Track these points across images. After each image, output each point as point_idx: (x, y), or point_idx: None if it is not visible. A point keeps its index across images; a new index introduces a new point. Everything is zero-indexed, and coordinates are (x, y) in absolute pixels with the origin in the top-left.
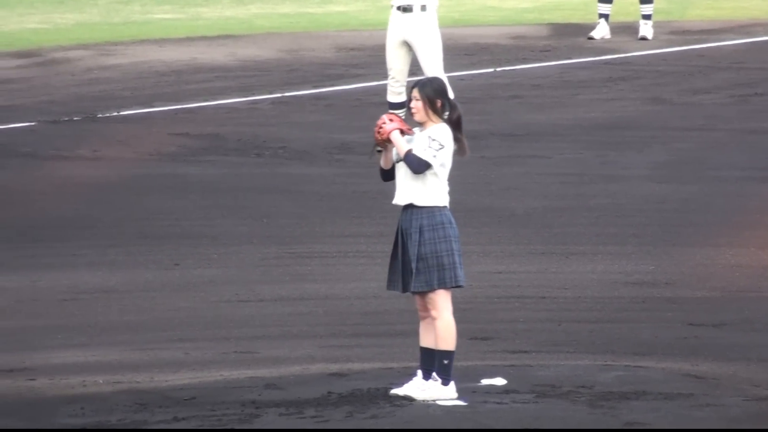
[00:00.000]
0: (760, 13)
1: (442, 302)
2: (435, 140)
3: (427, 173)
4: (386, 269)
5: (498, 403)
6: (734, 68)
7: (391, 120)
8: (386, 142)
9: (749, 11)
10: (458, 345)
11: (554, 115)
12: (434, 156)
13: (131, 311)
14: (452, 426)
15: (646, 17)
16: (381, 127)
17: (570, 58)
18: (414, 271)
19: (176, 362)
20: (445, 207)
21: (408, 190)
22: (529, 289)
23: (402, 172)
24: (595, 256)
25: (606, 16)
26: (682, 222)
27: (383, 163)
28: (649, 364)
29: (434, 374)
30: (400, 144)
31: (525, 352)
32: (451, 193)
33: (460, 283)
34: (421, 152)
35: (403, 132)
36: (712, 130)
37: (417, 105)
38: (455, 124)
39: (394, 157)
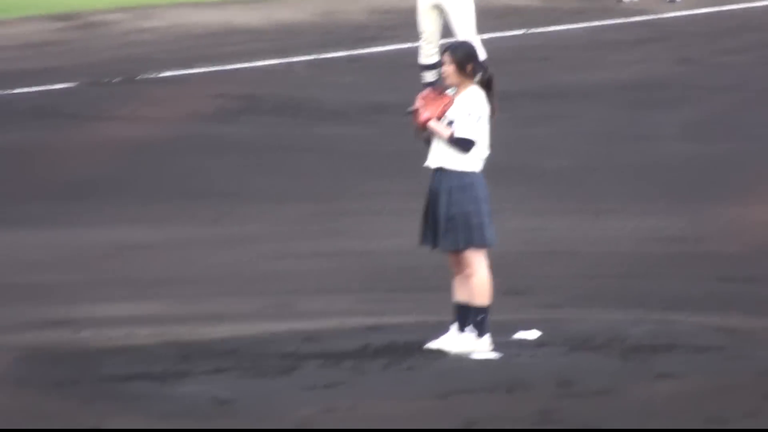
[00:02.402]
0: None
1: (474, 260)
2: (471, 114)
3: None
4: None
5: (531, 355)
6: (765, 29)
7: (424, 102)
8: (424, 128)
9: None
10: (493, 299)
11: (584, 75)
12: (475, 130)
13: (173, 266)
14: (487, 377)
15: None
16: (415, 115)
17: (600, 20)
18: (443, 230)
19: (217, 315)
20: (474, 171)
21: (441, 153)
22: (561, 245)
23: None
24: (626, 214)
25: None
26: (712, 180)
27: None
28: (681, 318)
29: (469, 328)
30: (440, 131)
31: (558, 306)
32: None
33: (488, 243)
34: (461, 131)
35: (440, 117)
36: (742, 90)
37: (448, 69)
38: (486, 86)
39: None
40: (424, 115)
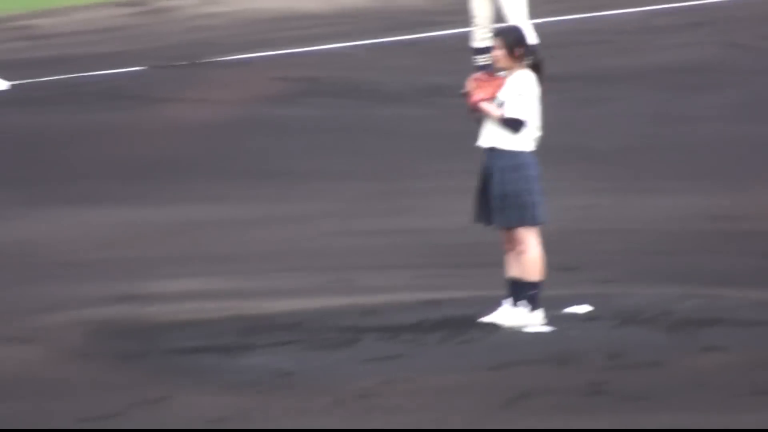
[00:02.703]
0: None
1: (527, 238)
2: (521, 94)
3: None
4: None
5: (582, 329)
6: None
7: (476, 86)
8: (476, 109)
9: None
10: (545, 275)
11: (635, 59)
12: (525, 110)
13: (238, 243)
14: (539, 350)
15: None
16: (468, 96)
17: (650, 5)
18: (496, 209)
19: (280, 290)
20: (526, 151)
21: (493, 133)
22: (611, 222)
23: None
24: (674, 192)
25: None
26: (757, 160)
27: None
28: (726, 293)
29: (522, 302)
30: (491, 112)
31: (608, 281)
32: None
33: (539, 221)
34: (511, 111)
35: (491, 98)
36: None
37: (498, 53)
38: (536, 69)
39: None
40: (476, 96)
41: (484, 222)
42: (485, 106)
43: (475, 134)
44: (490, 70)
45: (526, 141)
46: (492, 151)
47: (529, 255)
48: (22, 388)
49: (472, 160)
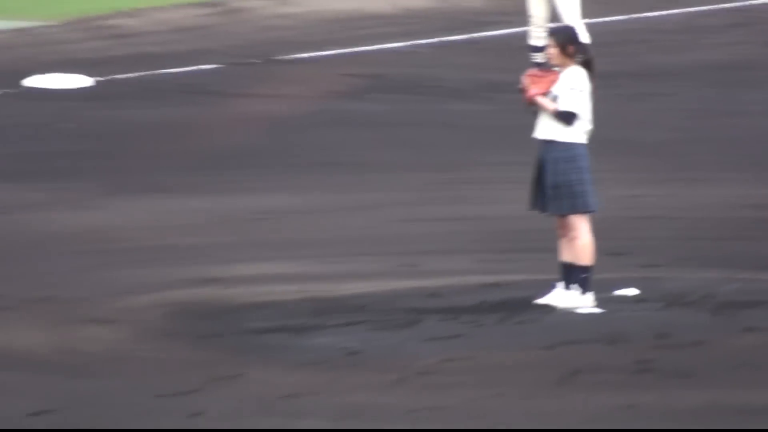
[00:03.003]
0: None
1: (579, 224)
2: (573, 88)
3: None
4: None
5: (631, 310)
6: None
7: (531, 81)
8: (531, 103)
9: None
10: (596, 260)
11: (680, 57)
12: (577, 104)
13: (311, 229)
14: (590, 330)
15: None
16: (524, 91)
17: (694, 6)
18: (550, 197)
19: (350, 274)
20: (579, 143)
21: (547, 126)
22: (658, 210)
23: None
24: (717, 182)
25: None
26: None
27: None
28: (766, 277)
29: (574, 285)
30: (546, 105)
31: (655, 266)
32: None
33: (590, 209)
34: (565, 105)
35: (545, 93)
36: None
37: (552, 51)
38: (587, 66)
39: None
40: (531, 91)
41: (539, 209)
42: (540, 100)
43: (530, 128)
44: (545, 67)
45: (578, 133)
46: (547, 143)
47: (580, 241)
48: (107, 366)
49: (527, 151)
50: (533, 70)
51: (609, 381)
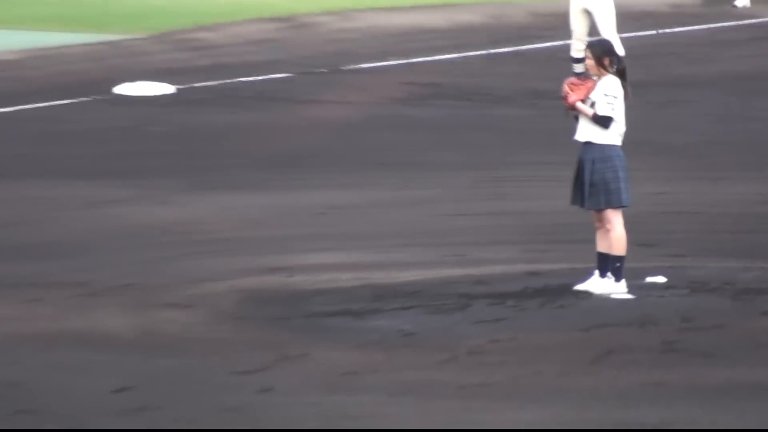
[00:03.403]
0: None
1: (613, 218)
2: (608, 95)
3: None
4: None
5: (659, 296)
6: None
7: (571, 89)
8: (572, 109)
9: None
10: (628, 250)
11: (705, 68)
12: (612, 109)
13: (370, 222)
14: (623, 314)
15: None
16: (565, 98)
17: (718, 22)
18: (588, 193)
19: (405, 263)
20: (614, 144)
21: (587, 129)
22: (684, 206)
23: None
24: (737, 181)
25: None
26: None
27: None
28: None
29: (608, 273)
30: (584, 110)
31: (681, 256)
32: None
33: (624, 204)
34: (601, 110)
35: (584, 99)
36: None
37: (590, 62)
38: (621, 75)
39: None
40: (571, 98)
41: (579, 204)
42: (579, 105)
43: (569, 132)
44: (584, 76)
45: (614, 136)
46: (586, 144)
47: (614, 233)
48: (185, 346)
49: (568, 152)
50: (572, 79)
51: (638, 360)
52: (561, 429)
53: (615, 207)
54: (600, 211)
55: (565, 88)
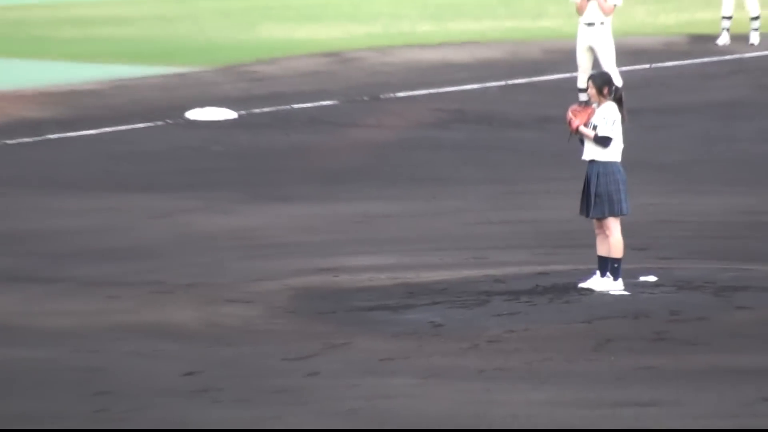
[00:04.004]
0: None
1: (613, 225)
2: (606, 118)
3: None
4: (577, 202)
5: (651, 293)
6: None
7: (574, 115)
8: (575, 132)
9: None
10: (624, 253)
11: (691, 97)
12: (611, 130)
13: (404, 229)
14: (619, 308)
15: (755, 29)
16: (569, 123)
17: (702, 58)
18: (593, 203)
19: (433, 264)
20: (615, 161)
21: (591, 149)
22: (672, 215)
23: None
24: (718, 194)
25: (727, 29)
26: None
27: (584, 140)
28: (754, 267)
29: (608, 273)
30: (587, 133)
31: (669, 258)
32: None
33: (625, 212)
34: (602, 131)
35: (586, 123)
36: None
37: (591, 91)
38: (618, 102)
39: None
40: (575, 123)
41: (585, 215)
42: (583, 129)
43: (574, 152)
44: (586, 103)
45: (614, 153)
46: (591, 162)
47: (613, 238)
48: (244, 337)
49: (573, 170)
50: (574, 106)
51: (633, 347)
52: (566, 429)
53: (616, 215)
54: (601, 219)
55: (569, 114)
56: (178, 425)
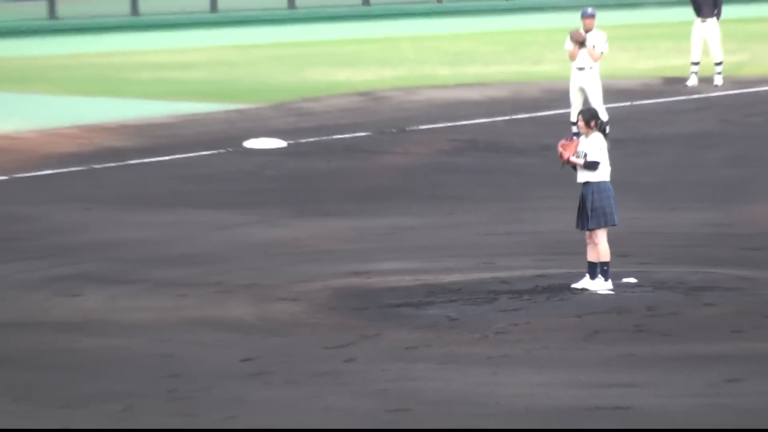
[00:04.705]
0: None
1: (601, 235)
2: (595, 146)
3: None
4: (570, 217)
5: (632, 292)
6: None
7: (564, 148)
8: (567, 163)
9: None
10: (611, 259)
11: (665, 129)
12: (599, 155)
13: (425, 239)
14: (605, 304)
15: (718, 73)
16: (560, 155)
17: (674, 97)
18: (589, 217)
19: (450, 268)
20: (606, 180)
21: (583, 174)
22: (650, 228)
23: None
24: (687, 210)
25: (695, 73)
26: (740, 190)
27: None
28: (719, 271)
29: (599, 276)
30: (577, 161)
31: (647, 263)
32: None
33: (616, 223)
34: (591, 157)
35: (574, 153)
36: (758, 138)
37: (581, 124)
38: (603, 133)
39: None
40: (565, 155)
41: (581, 228)
42: (572, 159)
43: (568, 176)
44: (578, 135)
45: (604, 174)
46: (585, 184)
47: (601, 246)
48: (291, 329)
49: (567, 190)
50: (563, 141)
51: (617, 337)
52: (566, 429)
53: (605, 226)
54: (592, 230)
55: (559, 148)
56: (236, 403)
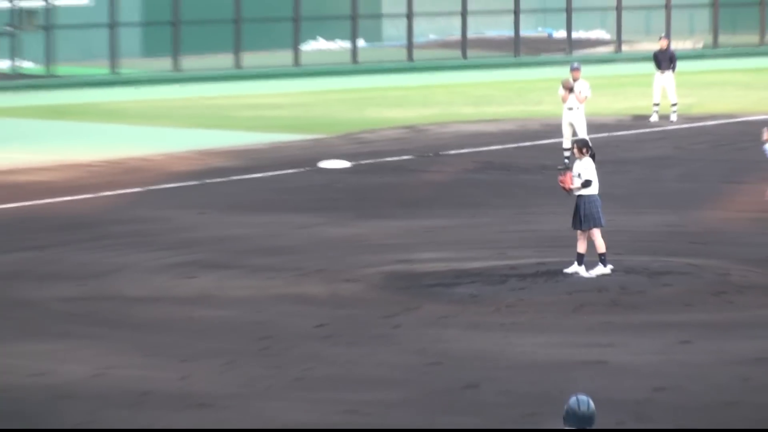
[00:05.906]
0: (738, 107)
1: (596, 233)
2: (587, 169)
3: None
4: (565, 220)
5: (609, 276)
6: (714, 133)
7: (563, 181)
8: (570, 191)
9: (735, 106)
10: (589, 252)
11: (633, 154)
12: (591, 175)
13: (454, 236)
14: (590, 285)
15: (674, 111)
16: (563, 187)
17: (641, 129)
18: (582, 221)
19: (472, 257)
20: (595, 194)
21: (579, 190)
22: (622, 226)
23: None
24: (651, 214)
25: (656, 111)
26: (691, 199)
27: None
28: (674, 260)
29: (598, 263)
30: (577, 186)
31: (620, 254)
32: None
33: (603, 225)
34: (584, 176)
35: (571, 179)
36: (705, 161)
37: (575, 150)
38: (593, 158)
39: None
40: (567, 186)
41: (576, 228)
42: (574, 187)
43: (561, 189)
44: (572, 160)
45: (594, 189)
46: (579, 196)
47: (597, 241)
48: (353, 302)
49: (561, 199)
50: (560, 177)
51: (597, 309)
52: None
53: (597, 227)
54: (586, 230)
55: (560, 183)
56: (312, 358)
